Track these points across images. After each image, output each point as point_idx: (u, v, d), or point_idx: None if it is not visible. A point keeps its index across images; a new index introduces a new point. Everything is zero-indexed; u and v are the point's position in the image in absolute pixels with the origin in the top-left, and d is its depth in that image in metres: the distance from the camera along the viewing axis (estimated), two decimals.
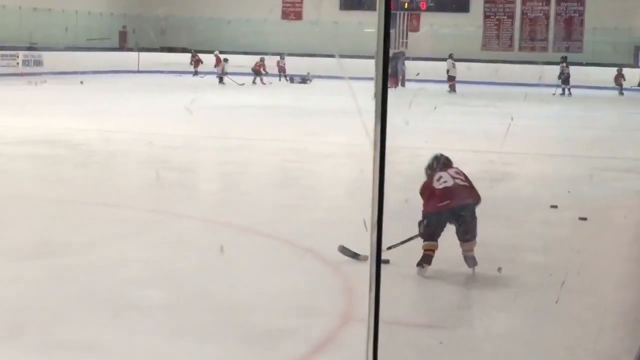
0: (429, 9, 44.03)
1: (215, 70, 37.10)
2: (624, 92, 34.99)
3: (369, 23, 39.47)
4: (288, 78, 38.28)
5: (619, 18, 39.41)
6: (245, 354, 5.51)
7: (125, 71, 40.40)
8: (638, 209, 10.95)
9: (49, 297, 6.51)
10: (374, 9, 2.90)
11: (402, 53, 36.68)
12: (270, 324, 5.99)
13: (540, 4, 43.31)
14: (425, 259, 7.22)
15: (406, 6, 43.54)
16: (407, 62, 36.14)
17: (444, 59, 35.16)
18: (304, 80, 37.30)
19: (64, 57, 38.21)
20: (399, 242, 7.30)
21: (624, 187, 12.38)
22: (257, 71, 36.78)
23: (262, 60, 37.17)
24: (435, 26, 42.62)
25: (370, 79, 3.16)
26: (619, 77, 35.57)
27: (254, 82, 36.11)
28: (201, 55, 39.29)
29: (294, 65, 38.70)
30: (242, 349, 5.57)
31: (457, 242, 7.24)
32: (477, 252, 7.23)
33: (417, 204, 7.35)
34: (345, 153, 15.22)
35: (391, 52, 34.73)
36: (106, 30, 44.41)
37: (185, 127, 18.52)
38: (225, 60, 36.52)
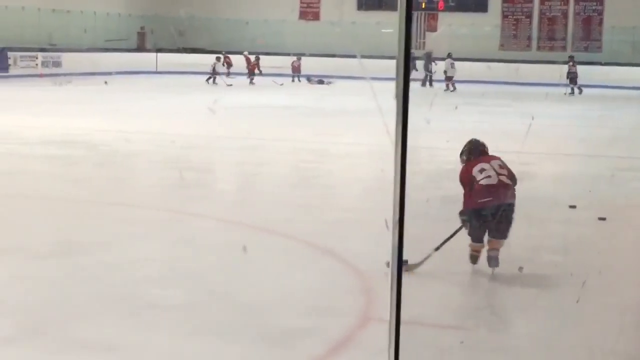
0: (446, 9, 43.92)
1: (245, 71, 37.54)
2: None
3: (386, 23, 39.42)
4: (306, 79, 38.15)
5: (638, 17, 39.20)
6: (264, 354, 5.49)
7: (144, 72, 40.49)
8: None
9: (67, 297, 6.51)
10: (392, 9, 2.88)
11: (431, 53, 36.52)
12: (289, 323, 5.96)
13: (559, 3, 43.14)
14: (472, 259, 7.25)
15: (424, 6, 43.44)
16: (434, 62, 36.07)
17: (463, 59, 35.07)
18: (322, 81, 37.23)
19: (83, 58, 38.34)
20: (443, 240, 7.26)
21: None
22: (252, 71, 36.74)
23: (257, 59, 37.22)
24: (453, 26, 42.50)
25: (390, 79, 3.14)
26: None
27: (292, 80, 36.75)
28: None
29: (312, 65, 38.66)
30: (261, 348, 5.55)
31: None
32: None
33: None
34: (364, 153, 15.21)
35: (421, 52, 34.67)
36: (124, 31, 44.54)
37: (203, 127, 18.54)
38: (257, 58, 37.11)
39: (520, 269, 7.18)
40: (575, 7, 42.99)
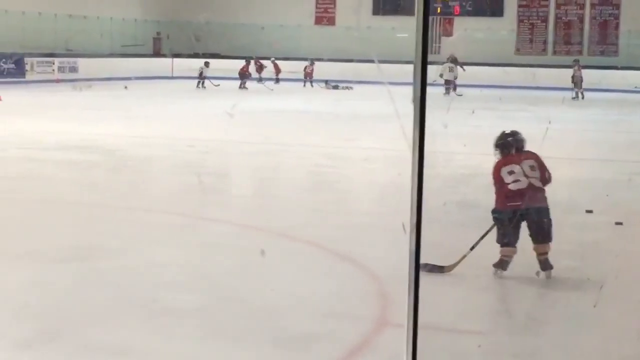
0: (462, 14, 43.87)
1: (274, 77, 38.10)
2: None
3: (401, 28, 39.42)
4: (324, 83, 38.08)
5: None
6: (280, 358, 5.49)
7: (160, 77, 40.60)
8: None
9: (84, 301, 6.53)
10: (407, 14, 2.89)
11: (456, 58, 36.34)
12: (305, 328, 5.96)
13: (575, 7, 43.02)
14: (502, 264, 7.16)
15: (439, 11, 43.38)
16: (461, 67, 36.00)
17: (479, 64, 34.99)
18: (337, 86, 37.21)
19: (99, 64, 38.53)
20: (478, 239, 7.23)
21: None
22: (243, 74, 36.71)
23: (247, 62, 37.23)
24: (469, 30, 42.45)
25: (406, 83, 3.14)
26: None
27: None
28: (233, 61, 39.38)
29: (327, 70, 38.63)
30: (277, 353, 5.55)
31: (495, 246, 7.19)
32: (515, 256, 7.18)
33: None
34: (380, 158, 15.20)
35: (436, 57, 34.54)
36: (140, 37, 44.70)
37: (219, 132, 18.56)
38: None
39: (538, 273, 7.16)
40: (591, 12, 42.85)
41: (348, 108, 27.39)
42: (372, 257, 7.67)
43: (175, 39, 44.84)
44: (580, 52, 42.13)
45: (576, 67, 33.69)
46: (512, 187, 7.08)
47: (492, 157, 7.45)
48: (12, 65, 35.55)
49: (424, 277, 2.86)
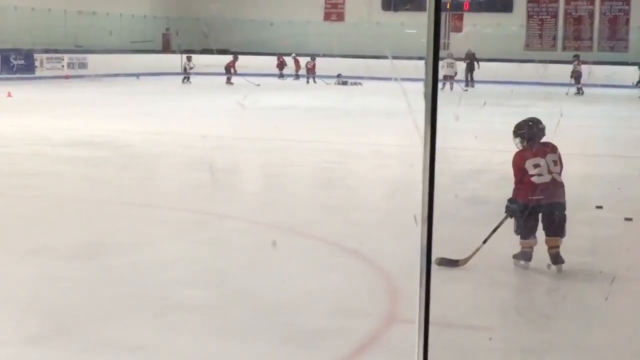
0: (471, 9, 43.80)
1: (296, 73, 38.41)
2: None
3: (411, 24, 39.39)
4: (337, 77, 38.00)
5: None
6: (289, 355, 5.48)
7: (169, 73, 40.64)
8: None
9: (94, 297, 6.54)
10: (416, 10, 2.88)
11: (474, 54, 36.30)
12: (315, 324, 5.95)
13: (585, 3, 42.91)
14: (525, 256, 7.16)
15: (449, 6, 43.32)
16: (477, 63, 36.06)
17: (488, 60, 34.94)
18: (345, 82, 37.16)
19: (109, 60, 38.57)
20: (491, 231, 7.22)
21: None
22: (228, 69, 36.65)
23: (235, 58, 37.13)
24: (478, 26, 42.38)
25: (416, 79, 3.13)
26: None
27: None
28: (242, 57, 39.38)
29: (335, 66, 38.58)
30: (286, 349, 5.54)
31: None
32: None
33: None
34: (390, 154, 15.18)
35: (445, 53, 34.53)
36: (149, 33, 44.75)
37: (229, 128, 18.57)
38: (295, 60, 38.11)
39: (549, 266, 7.14)
40: (601, 7, 42.73)
41: (357, 104, 27.37)
42: (382, 253, 7.65)
43: (184, 35, 44.86)
44: (590, 48, 42.04)
45: (576, 62, 33.56)
46: (535, 179, 7.05)
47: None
48: (22, 62, 35.65)
49: (433, 272, 2.85)
